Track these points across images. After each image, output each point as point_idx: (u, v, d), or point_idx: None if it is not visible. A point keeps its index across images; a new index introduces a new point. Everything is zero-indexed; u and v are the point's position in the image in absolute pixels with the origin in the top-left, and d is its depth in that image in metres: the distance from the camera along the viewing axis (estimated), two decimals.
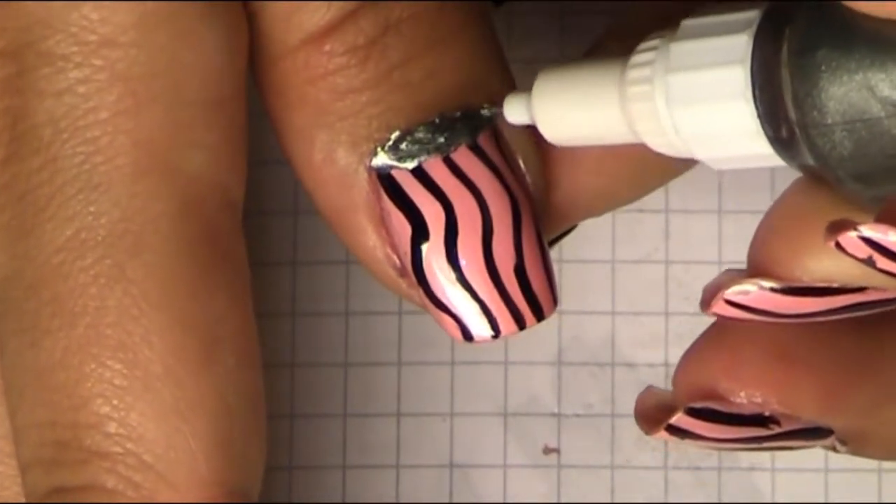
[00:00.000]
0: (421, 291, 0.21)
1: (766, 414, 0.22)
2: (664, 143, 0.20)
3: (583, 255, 0.33)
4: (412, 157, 0.21)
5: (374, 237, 0.21)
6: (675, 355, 0.32)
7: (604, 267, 0.33)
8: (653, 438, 0.22)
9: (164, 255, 0.20)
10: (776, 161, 0.19)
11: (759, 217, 0.33)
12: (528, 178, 0.22)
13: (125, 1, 0.20)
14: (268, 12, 0.21)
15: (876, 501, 0.33)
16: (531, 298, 0.21)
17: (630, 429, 0.33)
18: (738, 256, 0.33)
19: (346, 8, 0.20)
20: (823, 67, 0.17)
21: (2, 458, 0.21)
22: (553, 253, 0.33)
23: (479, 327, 0.21)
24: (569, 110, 0.20)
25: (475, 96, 0.21)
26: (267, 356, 0.32)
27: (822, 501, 0.33)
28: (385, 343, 0.32)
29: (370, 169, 0.21)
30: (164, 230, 0.20)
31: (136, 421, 0.20)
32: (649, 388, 0.22)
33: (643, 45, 0.20)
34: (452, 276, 0.21)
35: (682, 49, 0.19)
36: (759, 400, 0.22)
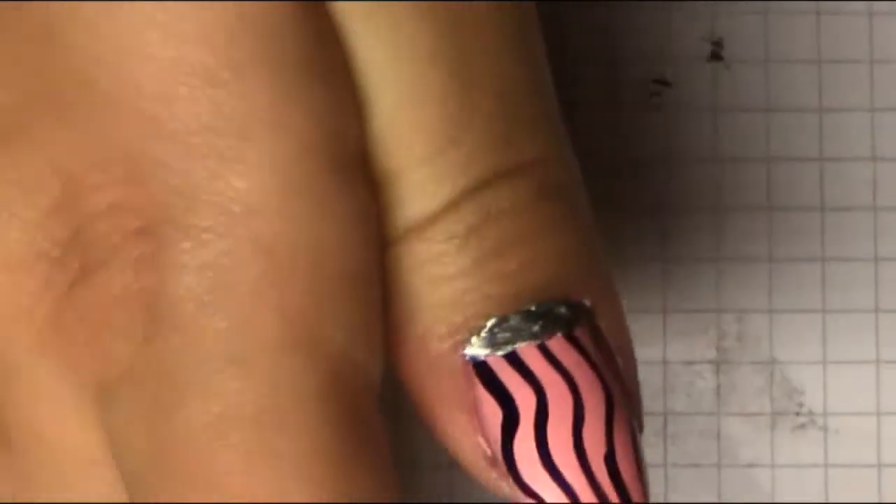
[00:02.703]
0: (510, 479, 0.21)
1: None
2: None
3: None
4: (506, 344, 0.20)
5: (467, 426, 0.21)
6: (673, 352, 0.33)
7: None
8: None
9: (311, 432, 0.19)
10: None
11: (756, 213, 0.33)
12: (622, 371, 0.22)
13: (272, 169, 0.19)
14: (389, 200, 0.20)
15: (876, 499, 0.33)
16: (620, 486, 0.21)
17: None
18: (733, 253, 0.33)
19: (451, 197, 0.20)
20: None
21: None
22: None
23: None
24: None
25: (573, 288, 0.21)
26: None
27: (822, 499, 0.33)
28: None
29: (464, 357, 0.21)
30: (309, 407, 0.19)
31: None
32: None
33: None
34: (540, 462, 0.21)
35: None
36: None
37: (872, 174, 0.33)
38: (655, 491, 0.33)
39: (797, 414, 0.33)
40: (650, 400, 0.33)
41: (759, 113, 0.33)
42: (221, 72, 0.19)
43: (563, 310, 0.21)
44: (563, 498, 0.21)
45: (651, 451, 0.33)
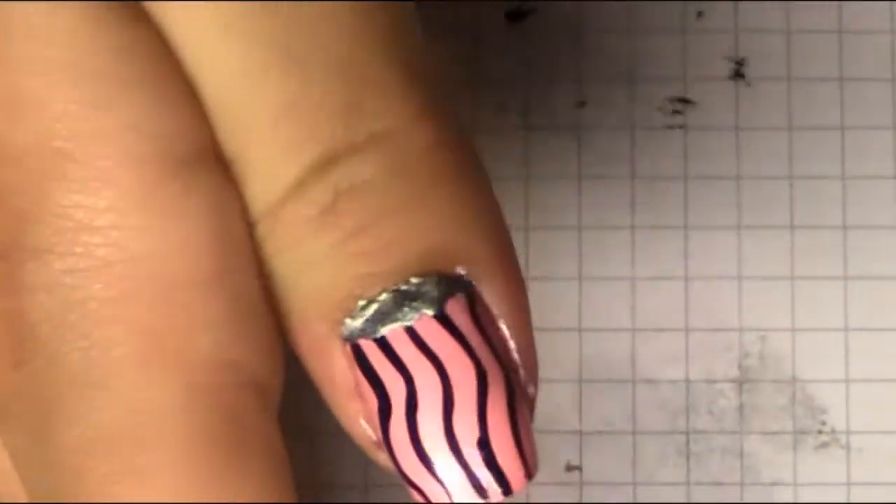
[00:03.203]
0: (393, 465, 0.21)
1: None
2: None
3: (603, 272, 0.33)
4: (379, 326, 0.20)
5: (351, 410, 0.21)
6: (696, 371, 0.33)
7: (624, 284, 0.33)
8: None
9: (178, 445, 0.19)
10: None
11: (779, 232, 0.33)
12: (512, 344, 0.21)
13: (97, 183, 0.19)
14: (242, 185, 0.20)
15: None
16: (497, 472, 0.20)
17: (652, 445, 0.33)
18: (756, 272, 0.33)
19: (294, 176, 0.19)
20: None
21: None
22: (573, 270, 0.33)
23: (441, 500, 0.20)
24: None
25: (444, 261, 0.20)
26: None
27: None
28: None
29: (341, 340, 0.20)
30: (174, 421, 0.19)
31: None
32: None
33: None
34: (413, 452, 0.20)
35: None
36: None
37: (895, 192, 0.33)
38: None
39: (820, 432, 0.33)
40: (673, 418, 0.33)
41: (781, 131, 0.33)
42: (27, 92, 0.19)
43: (431, 286, 0.20)
44: (438, 487, 0.20)
45: (674, 470, 0.33)
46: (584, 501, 0.32)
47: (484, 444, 0.20)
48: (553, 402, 0.32)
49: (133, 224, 0.19)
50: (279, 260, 0.20)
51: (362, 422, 0.20)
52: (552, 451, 0.32)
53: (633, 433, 0.33)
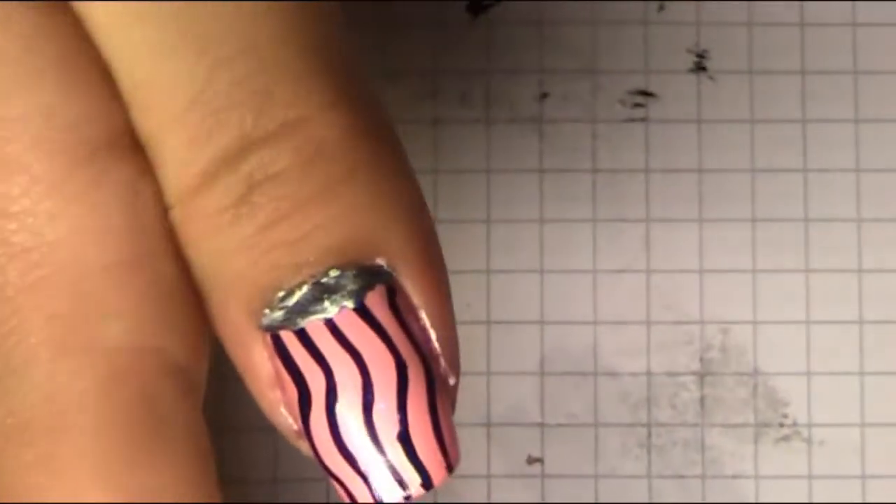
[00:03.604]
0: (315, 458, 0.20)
1: None
2: None
3: (564, 265, 0.33)
4: (299, 317, 0.20)
5: (272, 400, 0.20)
6: (658, 364, 0.33)
7: (585, 277, 0.33)
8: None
9: (95, 431, 0.19)
10: None
11: (740, 225, 0.33)
12: (433, 334, 0.21)
13: (9, 169, 0.19)
14: (156, 169, 0.20)
15: None
16: (418, 466, 0.20)
17: (614, 438, 0.33)
18: (718, 265, 0.33)
19: (204, 165, 0.19)
20: None
21: None
22: (535, 263, 0.33)
23: (362, 495, 0.20)
24: None
25: (362, 252, 0.20)
26: None
27: None
28: None
29: (261, 330, 0.20)
30: (90, 407, 0.19)
31: None
32: None
33: None
34: (334, 447, 0.20)
35: None
36: None
37: (856, 185, 0.33)
38: (640, 502, 0.33)
39: (781, 425, 0.33)
40: (635, 411, 0.33)
41: (743, 124, 0.33)
42: None
43: (350, 279, 0.20)
44: (359, 480, 0.20)
45: (636, 463, 0.33)
46: (545, 494, 0.32)
47: (404, 438, 0.20)
48: (515, 394, 0.32)
49: (46, 210, 0.19)
50: (195, 248, 0.20)
51: (283, 411, 0.20)
52: (514, 444, 0.32)
53: (595, 426, 0.33)
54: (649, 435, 0.33)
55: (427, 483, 0.20)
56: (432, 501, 0.32)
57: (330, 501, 0.32)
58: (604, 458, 0.33)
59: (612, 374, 0.33)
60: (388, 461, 0.20)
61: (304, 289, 0.20)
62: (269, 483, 0.32)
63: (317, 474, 0.32)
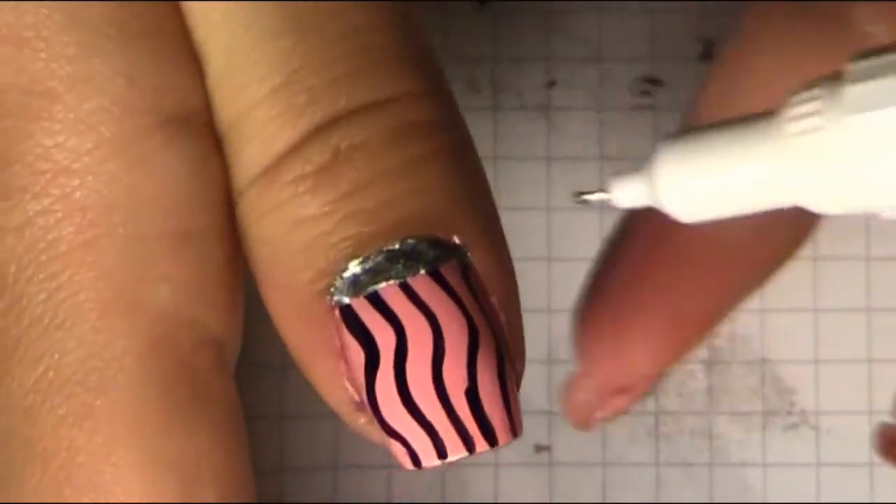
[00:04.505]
0: (375, 423, 0.20)
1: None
2: (830, 197, 0.18)
3: (572, 252, 0.33)
4: (370, 285, 0.20)
5: (334, 372, 0.20)
6: None
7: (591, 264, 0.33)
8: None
9: (133, 392, 0.19)
10: None
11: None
12: (503, 318, 0.21)
13: (81, 127, 0.19)
14: (224, 149, 0.20)
15: (867, 499, 0.33)
16: (483, 422, 0.20)
17: (621, 426, 0.33)
18: None
19: (293, 139, 0.20)
20: None
21: None
22: (542, 251, 0.33)
23: (426, 452, 0.20)
24: (707, 178, 0.19)
25: (439, 227, 0.20)
26: (257, 357, 0.32)
27: (814, 498, 0.33)
28: None
29: (329, 302, 0.20)
30: (130, 367, 0.19)
31: None
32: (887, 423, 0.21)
33: (800, 97, 0.18)
34: (400, 400, 0.20)
35: (858, 68, 0.18)
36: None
37: None
38: (647, 490, 0.33)
39: (789, 413, 0.33)
40: (642, 399, 0.33)
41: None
42: (24, 31, 0.19)
43: (426, 247, 0.20)
44: (423, 434, 0.20)
45: (643, 451, 0.33)
46: (552, 481, 0.32)
47: (472, 395, 0.20)
48: (522, 382, 0.32)
49: (109, 171, 0.19)
50: (269, 220, 0.20)
51: (346, 384, 0.21)
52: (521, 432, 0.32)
53: None
54: (657, 423, 0.33)
55: (492, 440, 0.20)
56: (440, 488, 0.32)
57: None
58: (611, 446, 0.33)
59: None
60: (454, 416, 0.20)
61: (380, 257, 0.20)
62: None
63: (326, 463, 0.32)
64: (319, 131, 0.20)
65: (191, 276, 0.20)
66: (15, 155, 0.19)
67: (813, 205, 0.18)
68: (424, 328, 0.20)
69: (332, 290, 0.20)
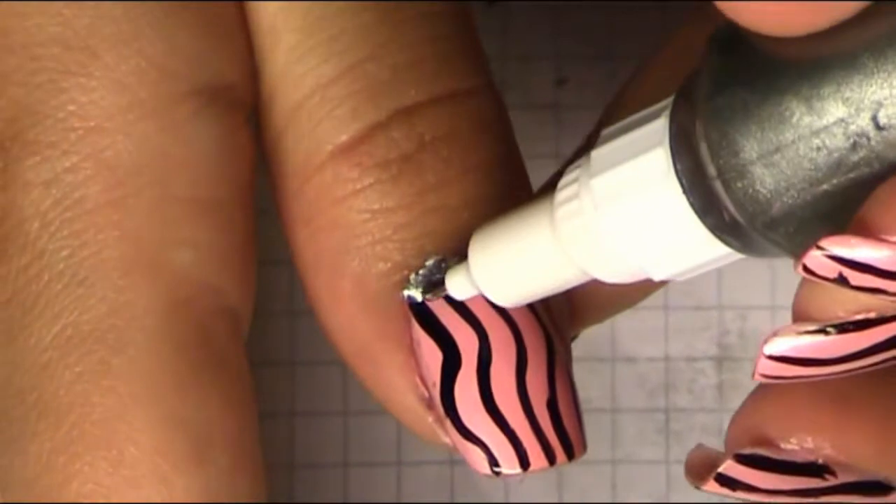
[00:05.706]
0: (448, 423, 0.20)
1: (820, 462, 0.19)
2: (606, 267, 0.18)
3: None
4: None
5: (404, 367, 0.20)
6: (675, 349, 0.33)
7: None
8: (704, 490, 0.20)
9: (151, 351, 0.19)
10: (715, 251, 0.18)
11: None
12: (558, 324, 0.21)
13: (118, 86, 0.19)
14: (291, 129, 0.20)
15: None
16: (562, 434, 0.20)
17: (631, 423, 0.33)
18: None
19: (376, 118, 0.19)
20: (731, 109, 0.16)
21: None
22: None
23: (509, 460, 0.20)
24: (508, 266, 0.19)
25: None
26: (267, 354, 0.32)
27: None
28: None
29: (403, 297, 0.20)
30: (150, 327, 0.19)
31: None
32: (700, 446, 0.21)
33: (565, 180, 0.18)
34: (483, 406, 0.20)
35: (601, 153, 0.18)
36: (810, 445, 0.20)
37: None
38: (657, 488, 0.33)
39: None
40: (652, 396, 0.33)
41: None
42: None
43: None
44: (506, 442, 0.20)
45: (653, 448, 0.33)
46: (562, 479, 0.32)
47: (552, 407, 0.20)
48: None
49: (140, 132, 0.19)
50: (346, 206, 0.20)
51: (418, 380, 0.20)
52: None
53: (613, 411, 0.33)
54: (667, 420, 0.33)
55: (570, 453, 0.20)
56: (449, 486, 0.32)
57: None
58: (621, 443, 0.33)
59: (630, 360, 0.33)
60: (537, 426, 0.20)
61: (457, 258, 0.20)
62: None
63: (336, 461, 0.32)
64: (404, 115, 0.20)
65: (214, 243, 0.20)
66: (48, 110, 0.19)
67: (599, 277, 0.18)
68: (507, 334, 0.20)
69: (407, 285, 0.20)
